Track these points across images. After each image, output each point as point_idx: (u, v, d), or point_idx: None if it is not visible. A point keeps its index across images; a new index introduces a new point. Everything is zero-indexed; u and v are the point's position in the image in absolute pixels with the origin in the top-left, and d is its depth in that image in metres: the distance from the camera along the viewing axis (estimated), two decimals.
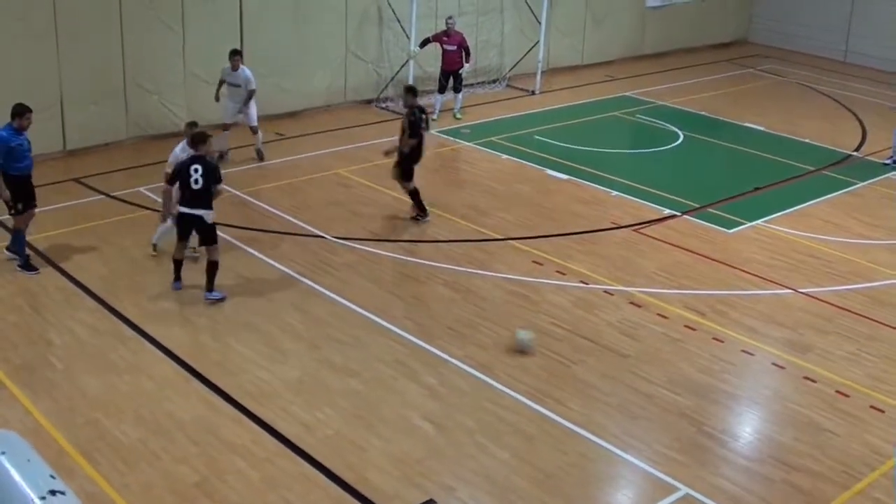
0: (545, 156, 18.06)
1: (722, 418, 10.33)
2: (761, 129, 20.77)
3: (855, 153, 19.44)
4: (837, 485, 9.26)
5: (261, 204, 15.14)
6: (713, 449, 9.74)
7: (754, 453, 9.82)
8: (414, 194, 14.59)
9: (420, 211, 14.67)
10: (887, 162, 18.57)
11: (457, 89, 20.13)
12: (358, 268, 13.15)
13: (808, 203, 16.50)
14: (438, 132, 18.86)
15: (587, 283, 12.99)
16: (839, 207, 16.45)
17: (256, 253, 13.42)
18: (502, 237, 14.33)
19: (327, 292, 12.41)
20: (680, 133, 19.84)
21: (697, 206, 15.96)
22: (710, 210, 15.89)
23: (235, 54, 16.61)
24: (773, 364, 11.42)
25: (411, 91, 14.69)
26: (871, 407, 10.57)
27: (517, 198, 15.99)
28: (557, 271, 13.31)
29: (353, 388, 10.41)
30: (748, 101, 23.14)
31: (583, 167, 17.45)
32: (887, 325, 12.37)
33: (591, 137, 19.46)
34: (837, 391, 10.83)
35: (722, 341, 11.79)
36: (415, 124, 14.28)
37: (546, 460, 9.38)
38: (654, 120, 20.86)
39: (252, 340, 11.25)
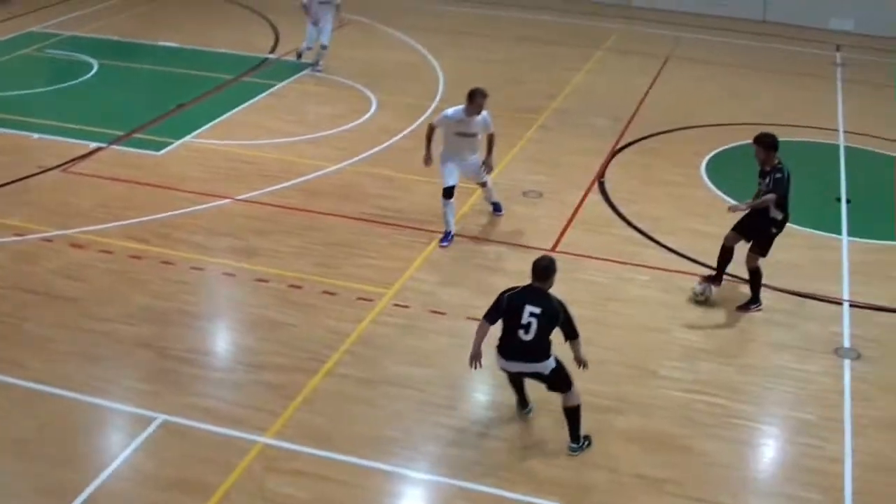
0: None
1: (185, 338, 10.37)
2: (176, 45, 20.69)
3: (270, 56, 20.11)
4: (307, 372, 9.76)
5: None
6: (182, 370, 9.77)
7: (223, 363, 10.05)
8: None
9: None
10: (298, 60, 19.46)
11: None
12: None
13: (232, 111, 16.83)
14: None
15: (23, 235, 12.25)
16: (263, 111, 17.00)
17: None
18: None
19: None
20: (94, 63, 19.13)
21: (123, 133, 15.61)
22: (137, 136, 15.62)
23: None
24: (225, 274, 11.65)
25: None
26: (324, 292, 11.21)
27: None
28: None
29: None
30: (161, 19, 22.87)
31: None
32: (323, 213, 13.11)
33: None
34: (290, 285, 11.34)
35: (171, 263, 11.77)
36: None
37: (19, 429, 8.83)
38: (65, 53, 19.90)
39: None
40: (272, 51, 20.48)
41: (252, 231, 12.61)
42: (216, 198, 13.50)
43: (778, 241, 11.18)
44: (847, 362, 10.39)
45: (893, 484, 8.67)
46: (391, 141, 15.64)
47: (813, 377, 10.15)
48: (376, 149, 15.30)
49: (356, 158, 14.89)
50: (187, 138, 15.57)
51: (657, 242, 12.79)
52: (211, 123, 16.22)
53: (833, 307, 11.45)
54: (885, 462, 8.94)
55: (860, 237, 13.29)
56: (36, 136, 15.45)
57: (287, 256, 12.01)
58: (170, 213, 13.01)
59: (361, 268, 11.78)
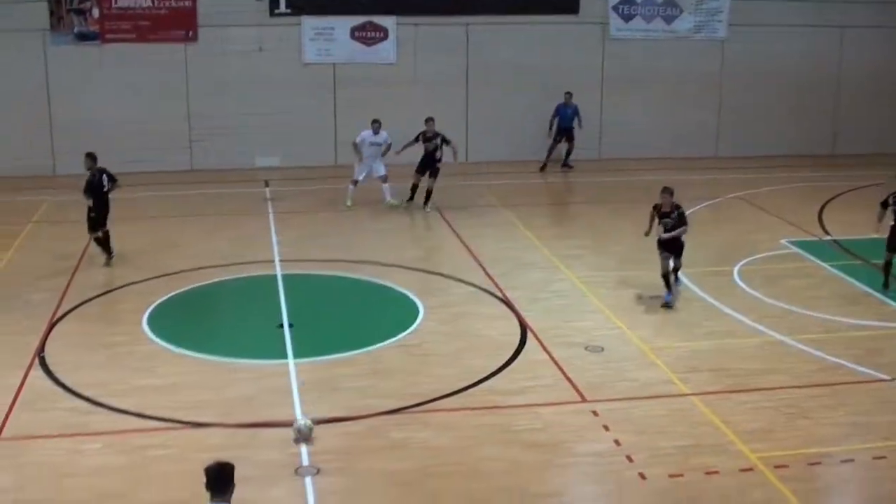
0: None
1: None
2: None
3: None
4: None
5: None
6: None
7: None
8: None
9: None
10: None
11: None
12: None
13: None
14: None
15: None
16: None
17: None
18: None
19: None
20: None
21: None
22: None
23: None
24: None
25: None
26: None
27: None
28: None
29: None
30: None
31: None
32: None
33: None
34: None
35: None
36: None
37: None
38: None
39: None
40: None
41: None
42: None
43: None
44: (308, 479, 10.63)
45: None
46: None
47: (278, 502, 10.24)
48: None
49: None
50: None
51: (106, 406, 12.32)
52: None
53: (288, 430, 11.69)
54: None
55: (306, 357, 13.85)
56: None
57: None
58: None
59: None
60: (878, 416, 12.38)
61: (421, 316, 15.53)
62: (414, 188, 22.32)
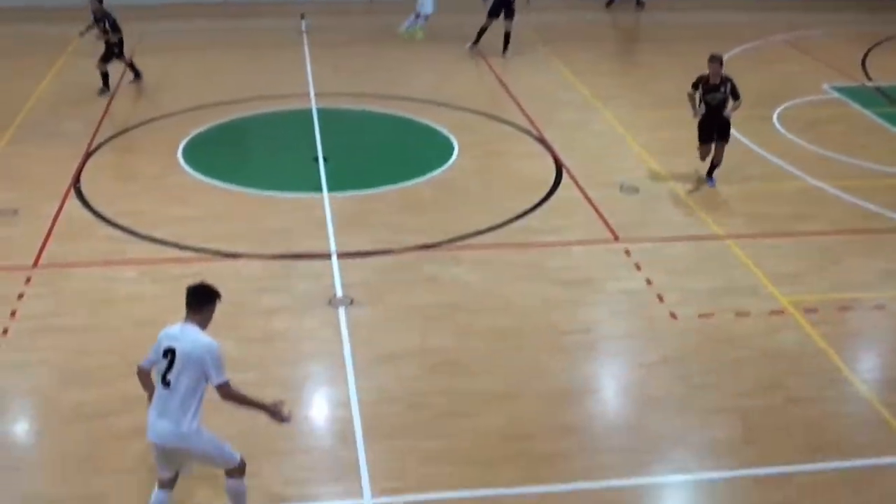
0: None
1: None
2: None
3: None
4: None
5: None
6: None
7: None
8: None
9: None
10: None
11: None
12: None
13: None
14: None
15: None
16: None
17: None
18: None
19: None
20: None
21: None
22: None
23: None
24: None
25: None
26: None
27: None
28: None
29: None
30: None
31: None
32: None
33: None
34: None
35: None
36: None
37: None
38: None
39: None
40: None
41: None
42: None
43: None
44: (342, 310, 10.80)
45: (396, 413, 9.15)
46: None
47: (313, 332, 10.45)
48: None
49: None
50: None
51: (142, 236, 12.46)
52: None
53: (323, 262, 11.83)
54: (387, 394, 9.41)
55: (340, 191, 13.88)
56: None
57: None
58: None
59: None
60: None
61: (455, 153, 15.43)
62: (482, 31, 21.16)
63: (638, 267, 11.91)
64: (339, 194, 13.78)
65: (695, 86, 14.00)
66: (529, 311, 10.90)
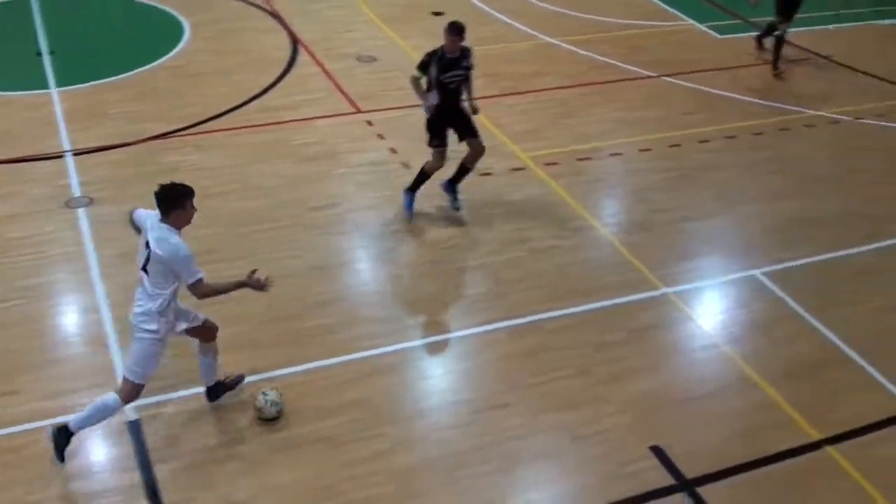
0: None
1: None
2: None
3: None
4: None
5: None
6: None
7: None
8: None
9: None
10: None
11: None
12: None
13: None
14: None
15: None
16: None
17: None
18: None
19: None
20: None
21: None
22: None
23: None
24: None
25: None
26: None
27: None
28: None
29: None
30: None
31: None
32: None
33: None
34: None
35: None
36: None
37: None
38: None
39: None
40: None
41: None
42: None
43: None
44: (81, 211, 10.32)
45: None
46: None
47: (52, 237, 9.94)
48: None
49: None
50: None
51: None
52: None
53: (56, 162, 11.22)
54: None
55: (69, 85, 13.11)
56: None
57: None
58: None
59: None
60: (644, 111, 12.96)
61: (187, 34, 14.86)
62: None
63: (381, 136, 11.97)
64: (69, 88, 13.01)
65: (423, 65, 9.87)
66: (277, 190, 10.80)
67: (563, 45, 14.83)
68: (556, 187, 10.99)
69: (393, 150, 11.64)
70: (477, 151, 10.22)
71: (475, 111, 10.19)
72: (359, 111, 12.60)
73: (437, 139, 10.09)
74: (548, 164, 11.43)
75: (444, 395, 8.14)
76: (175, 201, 6.88)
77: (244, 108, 12.61)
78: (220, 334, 7.51)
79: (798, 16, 14.39)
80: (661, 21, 16.23)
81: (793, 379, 8.38)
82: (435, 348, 8.69)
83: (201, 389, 7.75)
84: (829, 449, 7.65)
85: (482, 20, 15.72)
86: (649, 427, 7.76)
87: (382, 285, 9.53)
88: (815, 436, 7.76)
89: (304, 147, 11.72)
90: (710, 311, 9.36)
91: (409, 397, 8.03)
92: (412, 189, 10.38)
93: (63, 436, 7.06)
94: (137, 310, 6.96)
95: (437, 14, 15.76)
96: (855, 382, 8.40)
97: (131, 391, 7.11)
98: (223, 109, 12.48)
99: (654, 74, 14.04)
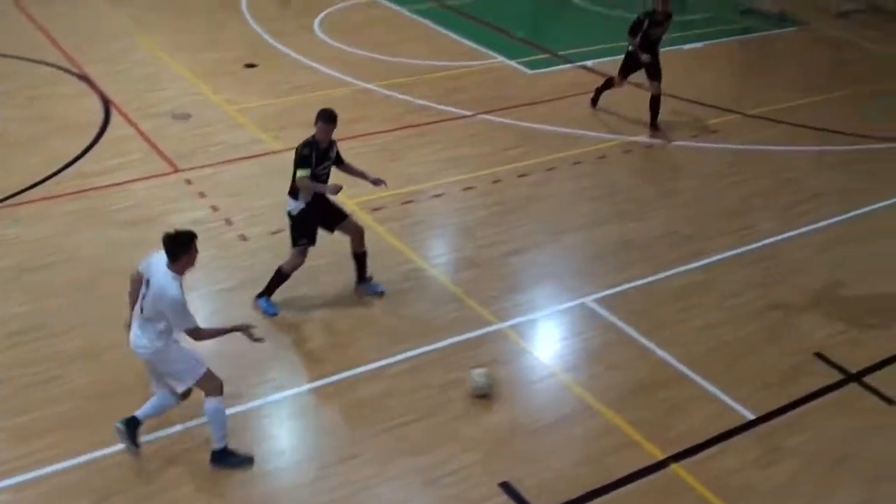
0: None
1: None
2: None
3: None
4: None
5: None
6: None
7: None
8: None
9: None
10: None
11: None
12: None
13: None
14: None
15: None
16: None
17: None
18: None
19: None
20: None
21: None
22: None
23: None
24: None
25: None
26: None
27: None
28: None
29: None
30: None
31: None
32: None
33: None
34: None
35: None
36: None
37: None
38: None
39: None
40: None
41: None
42: None
43: None
44: None
45: None
46: None
47: None
48: None
49: None
50: None
51: None
52: None
53: None
54: None
55: None
56: None
57: None
58: None
59: None
60: (465, 150, 13.14)
61: None
62: None
63: (202, 195, 11.70)
64: None
65: (306, 160, 9.12)
66: (98, 259, 10.37)
67: (380, 89, 14.90)
68: (383, 232, 10.97)
69: (214, 208, 11.39)
70: (358, 230, 9.69)
71: (377, 183, 9.57)
72: (177, 170, 12.29)
73: (306, 238, 9.43)
74: (374, 210, 11.41)
75: (291, 454, 7.93)
76: (184, 247, 7.09)
77: (59, 175, 12.11)
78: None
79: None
80: (472, 60, 16.53)
81: (631, 400, 8.57)
82: (274, 408, 8.45)
83: None
84: (675, 466, 7.83)
85: (296, 69, 15.66)
86: (500, 462, 7.77)
87: (220, 346, 9.20)
88: (659, 455, 7.94)
89: (123, 212, 11.32)
90: (545, 341, 9.49)
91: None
92: (268, 294, 9.66)
93: (221, 454, 7.58)
94: (139, 340, 7.25)
95: (249, 66, 15.62)
96: (691, 398, 8.65)
97: (207, 384, 7.38)
98: (38, 179, 11.95)
99: (472, 113, 14.26)
